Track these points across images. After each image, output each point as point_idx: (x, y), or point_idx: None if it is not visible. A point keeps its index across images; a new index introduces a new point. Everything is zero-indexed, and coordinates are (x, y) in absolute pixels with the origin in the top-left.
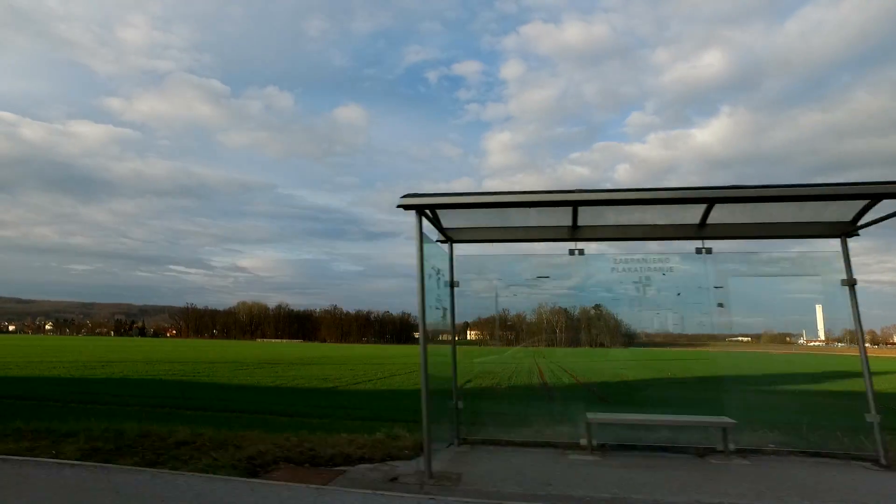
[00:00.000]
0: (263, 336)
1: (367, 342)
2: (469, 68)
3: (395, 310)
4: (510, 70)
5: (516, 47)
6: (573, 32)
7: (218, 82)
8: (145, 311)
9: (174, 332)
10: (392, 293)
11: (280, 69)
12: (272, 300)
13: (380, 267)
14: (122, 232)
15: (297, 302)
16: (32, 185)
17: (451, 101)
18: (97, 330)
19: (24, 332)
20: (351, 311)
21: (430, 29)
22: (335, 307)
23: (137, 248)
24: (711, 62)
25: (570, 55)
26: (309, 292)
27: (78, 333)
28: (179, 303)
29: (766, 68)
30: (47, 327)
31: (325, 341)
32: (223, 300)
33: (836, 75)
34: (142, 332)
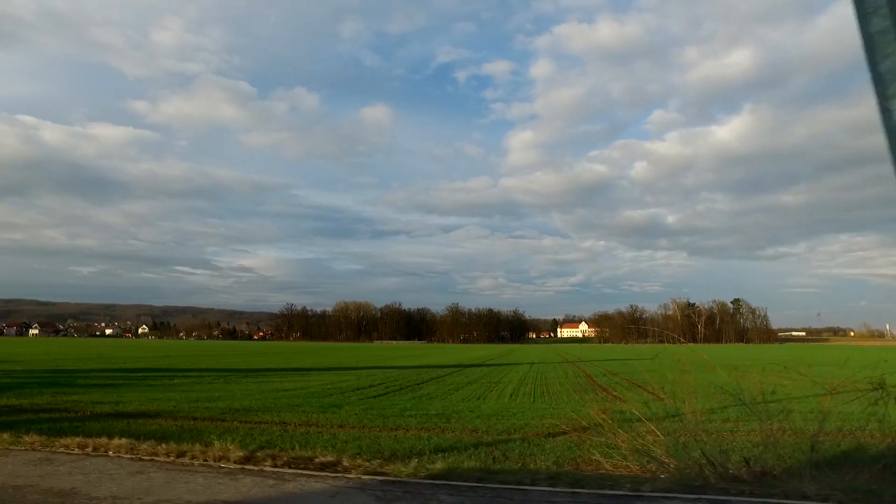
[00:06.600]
0: (380, 338)
1: (489, 341)
2: (499, 68)
3: (408, 305)
4: (540, 69)
5: (548, 47)
6: (606, 32)
7: (246, 84)
8: (167, 311)
9: (261, 334)
10: (393, 290)
11: (310, 70)
12: (273, 300)
13: (381, 265)
14: (131, 234)
15: (301, 301)
16: (45, 188)
17: (477, 100)
18: (194, 333)
19: (124, 337)
20: (472, 311)
21: (465, 29)
22: (456, 305)
23: (145, 249)
24: (740, 60)
25: (600, 54)
26: (312, 291)
27: (176, 337)
28: (184, 303)
29: (794, 65)
30: (141, 331)
31: (445, 342)
32: (226, 301)
33: (861, 72)
34: (231, 335)
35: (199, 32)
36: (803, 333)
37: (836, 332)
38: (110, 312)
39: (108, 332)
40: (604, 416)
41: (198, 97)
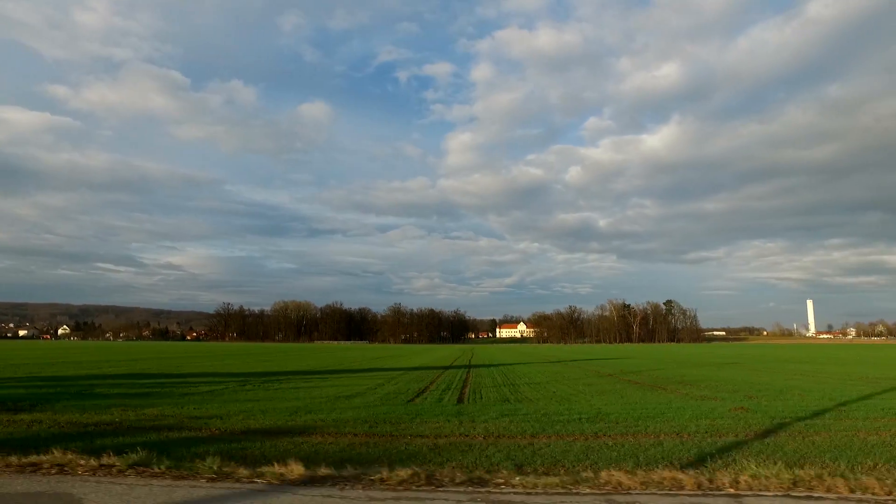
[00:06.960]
0: (321, 338)
1: (430, 341)
2: (440, 69)
3: (350, 305)
4: (480, 73)
5: (489, 51)
6: (546, 39)
7: (178, 73)
8: (86, 311)
9: (194, 334)
10: (328, 290)
11: (247, 63)
12: (203, 298)
13: (316, 264)
14: (45, 227)
15: (231, 300)
16: None
17: (418, 101)
18: (122, 334)
19: (41, 338)
20: (414, 311)
21: (407, 29)
22: (398, 306)
23: (61, 244)
24: (669, 73)
25: (540, 60)
26: (244, 290)
27: (102, 338)
28: (105, 301)
29: (717, 81)
30: (61, 331)
31: (386, 342)
32: (151, 299)
33: (774, 91)
34: (164, 336)
35: (128, 16)
36: (723, 333)
37: (751, 331)
38: (20, 312)
39: (21, 332)
40: None
41: (125, 85)
